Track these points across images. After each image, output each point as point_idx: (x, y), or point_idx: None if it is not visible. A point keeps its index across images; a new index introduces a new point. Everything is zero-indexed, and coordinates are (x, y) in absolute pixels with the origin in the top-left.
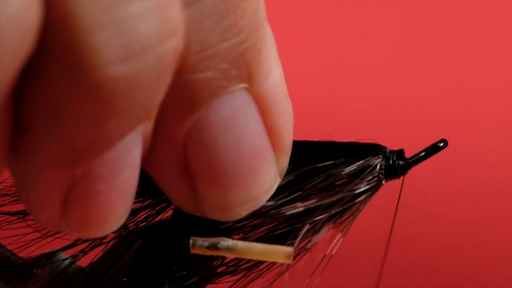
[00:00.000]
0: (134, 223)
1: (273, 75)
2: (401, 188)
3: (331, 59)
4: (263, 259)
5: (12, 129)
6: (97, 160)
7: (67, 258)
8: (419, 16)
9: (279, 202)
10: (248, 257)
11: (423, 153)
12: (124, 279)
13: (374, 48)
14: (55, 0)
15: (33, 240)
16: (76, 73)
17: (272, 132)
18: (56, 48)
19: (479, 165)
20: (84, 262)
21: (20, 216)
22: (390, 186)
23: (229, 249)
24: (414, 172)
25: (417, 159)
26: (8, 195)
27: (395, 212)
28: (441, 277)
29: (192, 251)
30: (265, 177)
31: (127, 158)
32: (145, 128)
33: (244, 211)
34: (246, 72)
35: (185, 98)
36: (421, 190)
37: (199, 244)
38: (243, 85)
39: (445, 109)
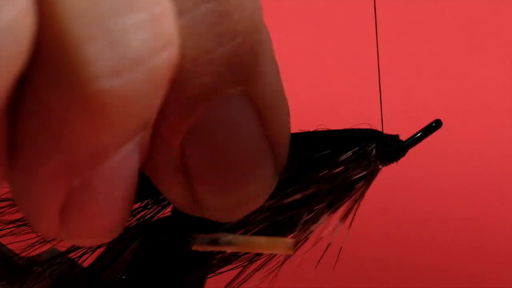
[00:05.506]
0: (134, 220)
1: (270, 76)
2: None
3: (321, 50)
4: (264, 251)
5: (8, 144)
6: (94, 172)
7: (68, 259)
8: (418, 14)
9: (277, 197)
10: (249, 250)
11: (418, 134)
12: (124, 277)
13: (367, 41)
14: (48, 11)
15: (34, 244)
16: (69, 86)
17: (270, 133)
18: (49, 61)
19: (479, 163)
20: (85, 261)
21: (22, 220)
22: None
23: (229, 243)
24: (414, 171)
25: (412, 141)
26: (6, 200)
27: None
28: (440, 276)
29: (193, 247)
30: (263, 178)
31: (124, 168)
32: (142, 137)
33: (242, 212)
34: (243, 75)
35: (181, 103)
36: (419, 189)
37: (200, 241)
38: (240, 88)
39: (442, 99)
